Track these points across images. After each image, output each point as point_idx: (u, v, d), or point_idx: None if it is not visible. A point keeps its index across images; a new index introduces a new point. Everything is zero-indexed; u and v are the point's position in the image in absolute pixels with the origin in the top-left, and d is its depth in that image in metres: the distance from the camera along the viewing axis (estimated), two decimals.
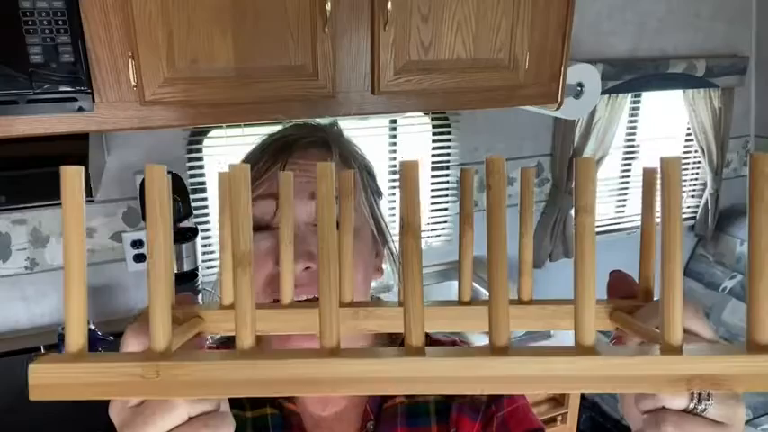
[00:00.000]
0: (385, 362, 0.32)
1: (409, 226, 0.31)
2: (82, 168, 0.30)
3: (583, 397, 2.14)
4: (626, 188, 2.65)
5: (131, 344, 0.37)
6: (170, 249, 0.32)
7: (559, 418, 1.96)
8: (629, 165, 2.63)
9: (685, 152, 2.76)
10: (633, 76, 2.28)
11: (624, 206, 2.69)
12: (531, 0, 1.53)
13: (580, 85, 1.89)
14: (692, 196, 2.85)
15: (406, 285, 0.31)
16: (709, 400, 0.36)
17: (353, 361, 0.32)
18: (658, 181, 0.32)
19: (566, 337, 1.78)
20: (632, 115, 2.54)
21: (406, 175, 0.30)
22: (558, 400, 1.98)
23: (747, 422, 2.14)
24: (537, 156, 2.33)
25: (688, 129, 2.68)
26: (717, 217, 2.76)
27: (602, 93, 2.12)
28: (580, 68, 1.88)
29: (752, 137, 2.82)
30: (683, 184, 2.81)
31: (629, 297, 0.44)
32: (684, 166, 2.79)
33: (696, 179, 2.82)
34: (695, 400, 0.36)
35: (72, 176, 0.31)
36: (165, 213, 0.32)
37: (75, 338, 0.33)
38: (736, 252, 2.70)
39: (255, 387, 0.32)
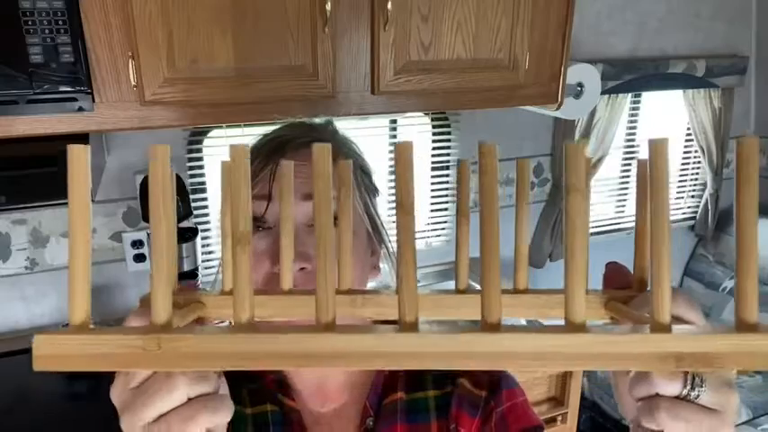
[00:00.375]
0: (379, 337, 0.32)
1: (402, 205, 0.31)
2: (88, 147, 0.31)
3: (583, 397, 2.13)
4: (626, 188, 2.65)
5: (133, 324, 0.38)
6: (173, 225, 0.33)
7: (559, 418, 1.96)
8: (629, 165, 2.63)
9: (685, 152, 2.76)
10: (633, 76, 2.29)
11: (624, 206, 2.69)
12: (531, 0, 1.54)
13: (580, 85, 1.89)
14: (692, 196, 2.84)
15: (399, 264, 0.32)
16: (702, 387, 0.36)
17: (348, 336, 0.32)
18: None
19: None
20: (632, 115, 2.54)
21: (401, 156, 0.31)
22: (558, 400, 1.97)
23: (747, 422, 2.13)
24: (537, 156, 2.33)
25: (688, 129, 2.68)
26: (717, 217, 2.76)
27: (602, 93, 2.12)
28: (580, 68, 1.89)
29: None
30: (683, 183, 2.81)
31: (624, 288, 0.44)
32: (684, 166, 2.79)
33: (696, 179, 2.82)
34: (688, 387, 0.36)
35: (78, 153, 0.32)
36: (167, 190, 0.32)
37: (79, 311, 0.34)
38: None
39: (254, 360, 0.33)
